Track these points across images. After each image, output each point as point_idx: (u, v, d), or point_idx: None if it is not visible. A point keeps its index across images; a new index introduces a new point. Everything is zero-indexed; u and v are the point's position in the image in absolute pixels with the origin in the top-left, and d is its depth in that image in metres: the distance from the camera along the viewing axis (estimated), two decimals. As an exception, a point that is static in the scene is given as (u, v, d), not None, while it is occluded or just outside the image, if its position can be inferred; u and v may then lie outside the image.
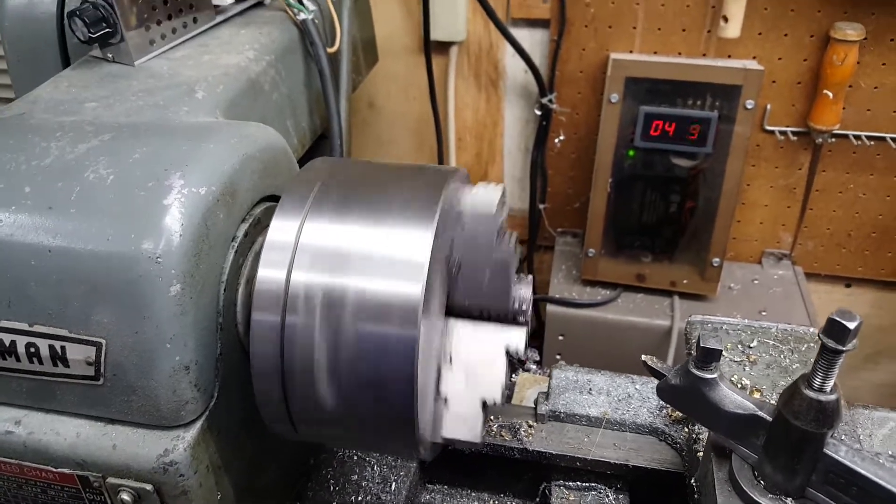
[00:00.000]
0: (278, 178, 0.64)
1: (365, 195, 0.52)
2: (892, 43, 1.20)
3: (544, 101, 1.35)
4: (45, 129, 0.60)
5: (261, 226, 0.60)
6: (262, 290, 0.49)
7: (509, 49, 1.36)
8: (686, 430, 0.74)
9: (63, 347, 0.52)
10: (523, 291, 0.55)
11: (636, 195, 1.30)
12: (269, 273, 0.50)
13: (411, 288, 0.47)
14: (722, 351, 0.48)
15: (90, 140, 0.56)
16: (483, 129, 1.49)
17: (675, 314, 1.33)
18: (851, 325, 0.40)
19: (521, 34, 1.32)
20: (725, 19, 1.16)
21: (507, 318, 0.55)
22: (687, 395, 0.51)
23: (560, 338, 1.41)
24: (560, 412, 0.80)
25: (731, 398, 0.48)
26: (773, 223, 1.46)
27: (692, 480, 0.62)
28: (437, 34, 1.33)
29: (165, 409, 0.52)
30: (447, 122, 1.46)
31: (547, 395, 0.83)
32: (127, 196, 0.51)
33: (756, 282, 1.45)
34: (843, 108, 1.26)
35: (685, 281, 1.35)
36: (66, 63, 0.83)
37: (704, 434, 0.70)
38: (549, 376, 0.84)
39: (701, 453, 0.67)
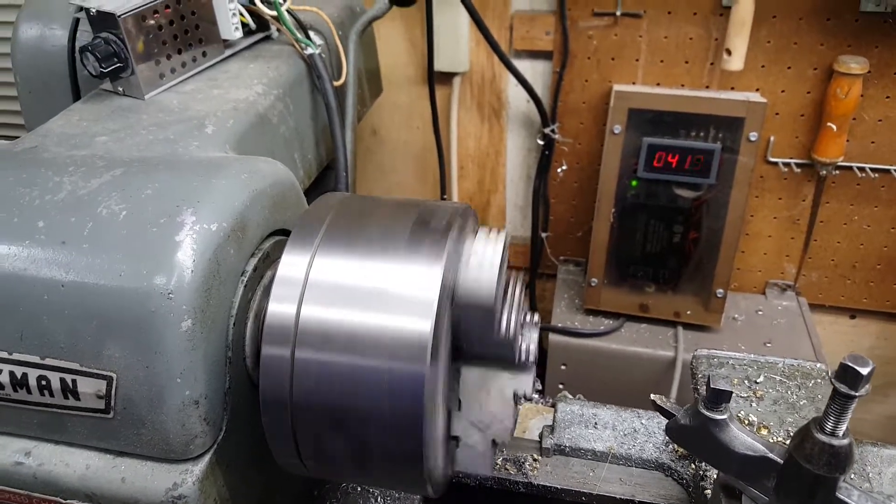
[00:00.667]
0: (286, 213, 0.65)
1: (374, 232, 0.53)
2: (895, 76, 1.23)
3: (547, 131, 1.37)
4: (58, 163, 0.61)
5: (269, 260, 0.62)
6: (273, 325, 0.50)
7: (512, 79, 1.39)
8: (693, 466, 0.74)
9: (74, 381, 0.53)
10: (529, 340, 0.55)
11: (639, 225, 1.32)
12: (280, 308, 0.51)
13: (421, 324, 0.48)
14: (732, 392, 0.49)
15: (102, 175, 0.58)
16: (485, 158, 1.52)
17: (679, 345, 1.34)
18: (864, 371, 0.41)
19: (523, 65, 1.35)
20: (729, 52, 1.19)
21: (513, 366, 0.56)
22: (696, 436, 0.51)
23: (563, 367, 1.42)
24: (565, 446, 0.81)
25: (742, 439, 0.49)
26: (776, 254, 1.47)
27: (699, 518, 0.63)
28: (440, 65, 1.35)
29: (175, 442, 0.53)
30: (450, 150, 1.49)
31: (552, 428, 0.83)
32: (139, 232, 0.53)
33: (760, 313, 1.46)
34: (847, 141, 1.28)
35: (689, 311, 1.36)
36: (76, 95, 0.85)
37: (712, 472, 0.71)
38: (554, 409, 0.85)
39: (709, 491, 0.68)
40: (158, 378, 0.51)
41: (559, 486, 0.78)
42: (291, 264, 0.52)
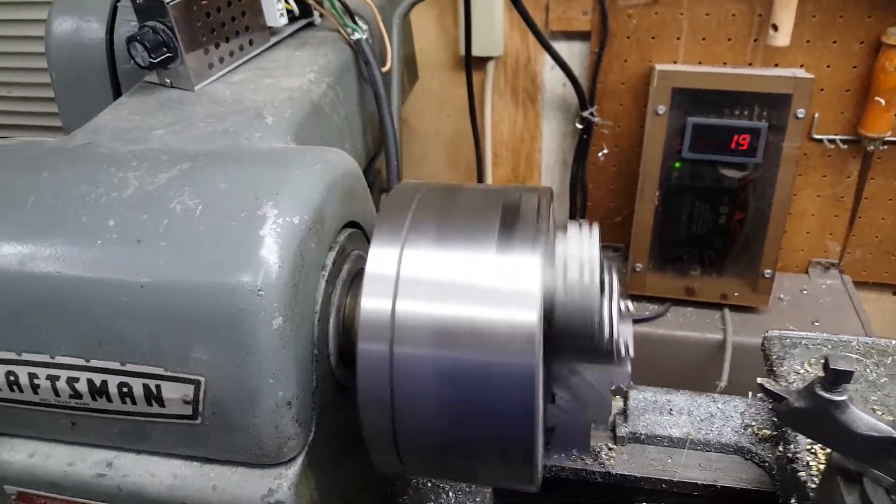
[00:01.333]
0: (356, 204, 0.63)
1: (463, 221, 0.51)
2: (944, 46, 1.20)
3: (585, 114, 1.34)
4: (118, 158, 0.59)
5: (345, 254, 0.59)
6: (368, 321, 0.48)
7: (548, 62, 1.36)
8: (780, 449, 0.72)
9: (158, 386, 0.50)
10: (627, 333, 0.53)
11: (684, 207, 1.29)
12: (374, 303, 0.48)
13: (527, 316, 0.46)
14: (853, 372, 0.47)
15: (168, 169, 0.55)
16: (520, 144, 1.49)
17: (728, 327, 1.32)
18: None
19: (559, 47, 1.32)
20: (775, 28, 1.15)
21: (608, 359, 0.53)
22: (812, 418, 0.49)
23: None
24: (640, 434, 0.79)
25: (864, 420, 0.47)
26: (820, 233, 1.44)
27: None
28: (474, 49, 1.32)
29: (268, 446, 0.51)
30: (483, 137, 1.46)
31: (625, 416, 0.81)
32: (219, 227, 0.50)
33: (805, 292, 1.43)
34: (895, 116, 1.25)
35: (736, 293, 1.33)
36: (116, 89, 0.82)
37: (801, 454, 0.68)
38: (626, 397, 0.83)
39: (802, 474, 0.65)
40: (251, 380, 0.49)
41: (638, 475, 0.75)
42: (381, 257, 0.50)
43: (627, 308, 0.55)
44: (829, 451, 0.64)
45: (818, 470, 0.66)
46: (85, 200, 0.54)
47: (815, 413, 0.49)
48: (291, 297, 0.49)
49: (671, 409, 0.81)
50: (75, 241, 0.51)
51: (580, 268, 0.49)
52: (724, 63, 1.28)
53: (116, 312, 0.49)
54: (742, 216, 1.27)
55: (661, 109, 1.23)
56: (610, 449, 0.78)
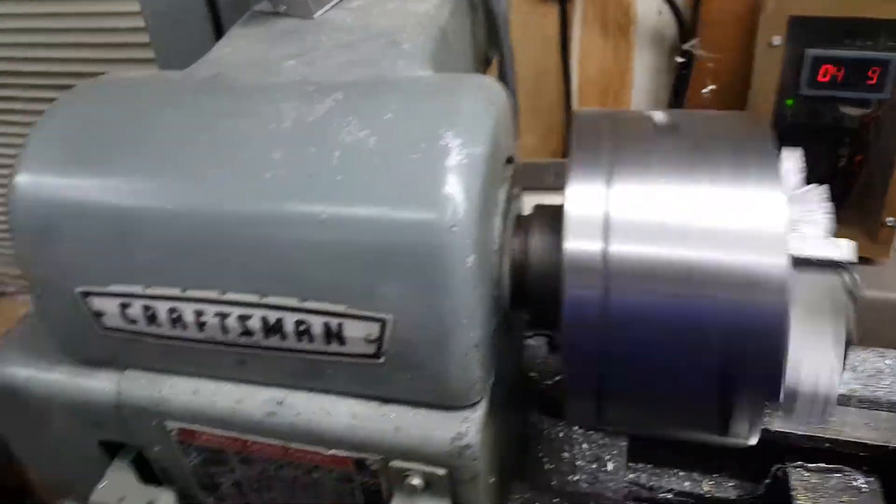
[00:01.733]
0: (511, 137, 0.61)
1: (673, 150, 0.49)
2: None
3: (687, 46, 1.30)
4: (259, 90, 0.58)
5: (511, 188, 0.58)
6: (578, 262, 0.47)
7: (643, -10, 1.31)
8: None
9: (340, 325, 0.50)
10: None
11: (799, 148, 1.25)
12: (584, 245, 0.47)
13: (775, 258, 0.44)
14: None
15: (322, 100, 0.54)
16: (609, 82, 1.45)
17: (840, 279, 1.29)
18: None
19: (660, -26, 1.27)
20: (914, -56, 1.09)
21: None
22: None
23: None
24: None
25: None
26: (936, 175, 1.39)
27: None
28: (568, -22, 1.28)
29: (455, 389, 0.51)
30: (570, 76, 1.42)
31: (778, 369, 0.80)
32: (399, 159, 0.49)
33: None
34: None
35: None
36: (215, 21, 0.80)
37: None
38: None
39: None
40: (443, 320, 0.48)
41: (800, 433, 0.75)
42: (587, 192, 0.48)
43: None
44: None
45: None
46: (242, 131, 0.53)
47: None
48: (480, 234, 0.49)
49: (831, 364, 0.80)
50: (244, 171, 0.50)
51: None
52: (846, -12, 1.22)
53: (294, 248, 0.49)
54: (863, 158, 1.23)
55: (777, 40, 1.17)
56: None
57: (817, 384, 0.49)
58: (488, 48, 0.93)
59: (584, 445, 0.80)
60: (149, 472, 0.65)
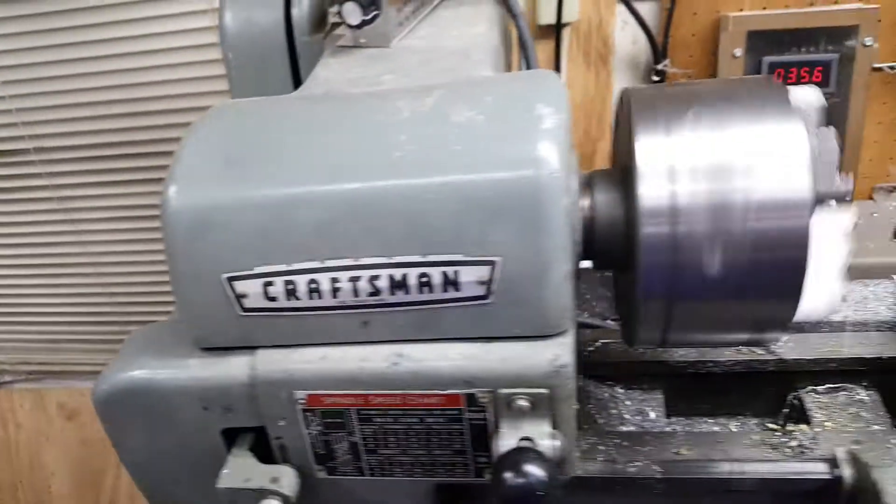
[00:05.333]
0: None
1: (710, 105, 0.58)
2: None
3: (660, 66, 1.42)
4: (371, 95, 0.65)
5: (573, 153, 0.66)
6: (652, 206, 0.55)
7: (618, 23, 1.43)
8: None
9: (456, 272, 0.57)
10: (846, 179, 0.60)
11: (764, 143, 1.36)
12: (654, 189, 0.55)
13: (802, 181, 0.53)
14: None
15: (430, 95, 0.61)
16: (591, 107, 1.56)
17: (814, 252, 1.39)
18: None
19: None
20: (841, -37, 1.23)
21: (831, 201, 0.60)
22: None
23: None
24: (803, 322, 0.86)
25: None
26: (881, 158, 1.52)
27: None
28: (553, 17, 1.40)
29: (552, 316, 0.57)
30: (559, 102, 1.53)
31: (784, 309, 0.88)
32: (504, 127, 0.56)
33: (875, 215, 1.50)
34: (951, 37, 1.32)
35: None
36: (293, 61, 0.89)
37: None
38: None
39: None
40: (545, 253, 0.55)
41: (809, 358, 0.82)
42: (651, 146, 0.56)
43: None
44: None
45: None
46: (369, 125, 0.60)
47: None
48: (568, 182, 0.56)
49: (825, 298, 0.88)
50: (373, 156, 0.57)
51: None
52: (787, 6, 1.36)
53: (421, 210, 0.55)
54: (819, 145, 1.35)
55: (738, 52, 1.30)
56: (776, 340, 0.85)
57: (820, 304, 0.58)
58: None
59: (627, 402, 0.86)
60: (266, 458, 0.68)
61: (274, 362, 0.63)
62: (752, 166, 0.54)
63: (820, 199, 0.60)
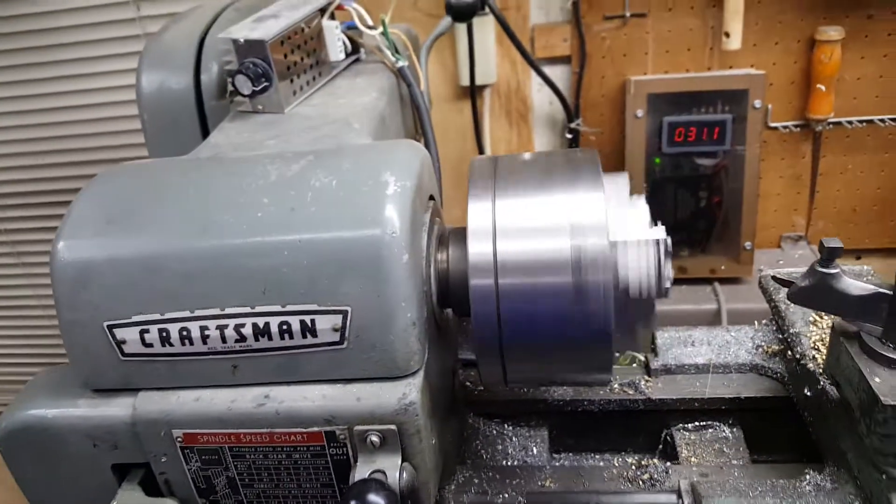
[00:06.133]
0: (433, 182, 0.77)
1: (537, 176, 0.65)
2: (866, 39, 1.40)
3: (573, 125, 1.51)
4: (251, 161, 0.72)
5: (433, 216, 0.73)
6: (477, 261, 0.61)
7: (534, 86, 1.53)
8: (789, 354, 0.85)
9: (313, 320, 0.62)
10: (668, 270, 0.67)
11: (668, 196, 1.46)
12: (480, 247, 0.61)
13: (601, 243, 0.60)
14: (842, 248, 0.61)
15: (298, 161, 0.69)
16: (517, 160, 1.65)
17: (720, 297, 1.47)
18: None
19: (545, 71, 1.49)
20: (727, 35, 1.34)
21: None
22: (816, 292, 0.63)
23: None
24: (671, 365, 0.92)
25: (855, 284, 0.61)
26: (786, 209, 1.62)
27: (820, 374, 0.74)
28: (468, 80, 1.49)
29: (400, 359, 0.63)
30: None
31: (655, 352, 0.94)
32: (354, 193, 0.63)
33: (781, 262, 1.59)
34: (834, 99, 1.44)
35: (723, 267, 1.49)
36: (203, 124, 0.95)
37: (807, 352, 0.81)
38: (654, 338, 0.96)
39: (810, 365, 0.79)
40: (388, 303, 0.61)
41: (674, 397, 0.88)
42: (480, 209, 0.63)
43: (668, 246, 0.69)
44: (828, 343, 0.78)
45: (822, 361, 0.79)
46: (239, 187, 0.67)
47: (818, 287, 0.63)
48: (411, 240, 0.63)
49: (693, 342, 0.95)
50: (239, 215, 0.64)
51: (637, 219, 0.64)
52: (687, 70, 1.47)
53: (279, 264, 0.62)
54: (719, 199, 1.44)
55: (640, 113, 1.40)
56: (647, 381, 0.91)
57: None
58: (416, 133, 1.11)
59: (514, 439, 0.91)
60: (154, 492, 0.72)
61: (153, 403, 0.67)
62: (561, 228, 0.60)
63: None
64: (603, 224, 0.59)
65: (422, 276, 0.66)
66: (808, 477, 0.72)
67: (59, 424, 0.70)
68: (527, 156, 0.70)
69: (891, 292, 0.59)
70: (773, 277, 0.68)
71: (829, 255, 0.61)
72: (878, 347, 0.61)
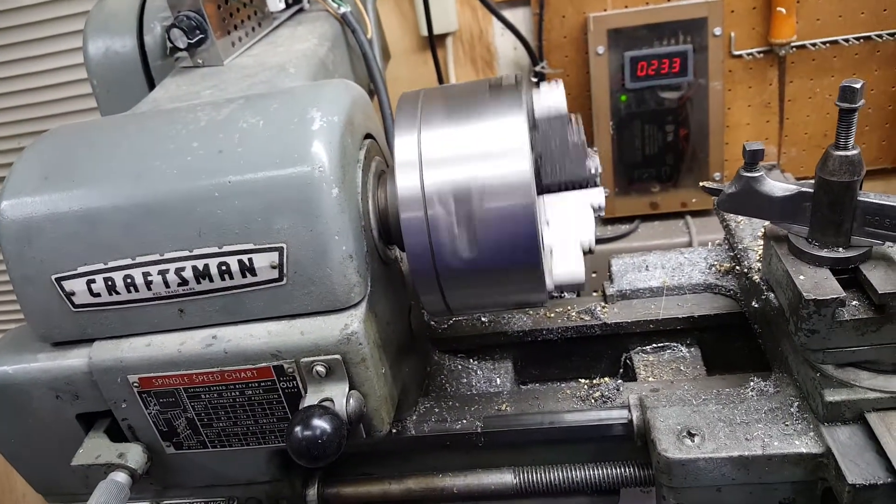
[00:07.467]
0: (370, 121, 0.77)
1: (460, 106, 0.65)
2: (825, -43, 1.37)
3: (537, 68, 1.50)
4: (185, 109, 0.72)
5: (371, 155, 0.73)
6: (405, 195, 0.61)
7: (497, 31, 1.52)
8: (737, 267, 0.86)
9: (250, 259, 0.63)
10: (594, 160, 0.67)
11: (636, 132, 1.45)
12: (407, 180, 0.61)
13: (522, 166, 0.60)
14: (764, 150, 0.61)
15: (229, 106, 0.69)
16: (486, 109, 1.64)
17: (692, 230, 1.47)
18: (857, 86, 0.53)
19: (506, 15, 1.47)
20: (682, -38, 1.32)
21: (584, 185, 0.67)
22: (742, 197, 0.63)
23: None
24: (626, 290, 0.93)
25: (779, 186, 0.62)
26: (757, 138, 1.60)
27: (758, 280, 0.74)
28: (435, 28, 1.47)
29: (339, 292, 0.64)
30: (454, 107, 1.60)
31: (611, 279, 0.95)
32: (281, 131, 0.63)
33: (754, 193, 1.59)
34: (797, 22, 1.42)
35: (694, 200, 1.49)
36: (150, 83, 0.95)
37: (755, 264, 0.81)
38: (609, 265, 0.97)
39: (755, 277, 0.80)
40: (321, 237, 0.62)
41: (630, 321, 0.90)
42: (405, 143, 0.63)
43: (593, 150, 0.69)
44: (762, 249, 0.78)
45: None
46: (169, 135, 0.67)
47: (744, 192, 0.63)
48: (342, 174, 0.63)
49: (647, 266, 0.95)
50: (170, 161, 0.64)
51: (549, 91, 0.63)
52: (647, 3, 1.45)
53: (211, 206, 0.62)
54: (686, 132, 1.43)
55: (601, 50, 1.38)
56: (603, 307, 0.92)
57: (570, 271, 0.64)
58: (369, 82, 1.10)
59: (479, 372, 0.93)
60: (120, 439, 0.74)
61: (106, 351, 0.69)
62: (483, 155, 0.60)
63: (570, 184, 0.67)
64: (524, 147, 0.59)
65: (358, 211, 0.66)
66: (752, 384, 0.74)
67: (22, 379, 0.72)
68: (453, 87, 0.69)
69: (811, 190, 0.60)
70: (703, 187, 0.68)
71: (751, 159, 0.61)
72: (804, 247, 0.61)
